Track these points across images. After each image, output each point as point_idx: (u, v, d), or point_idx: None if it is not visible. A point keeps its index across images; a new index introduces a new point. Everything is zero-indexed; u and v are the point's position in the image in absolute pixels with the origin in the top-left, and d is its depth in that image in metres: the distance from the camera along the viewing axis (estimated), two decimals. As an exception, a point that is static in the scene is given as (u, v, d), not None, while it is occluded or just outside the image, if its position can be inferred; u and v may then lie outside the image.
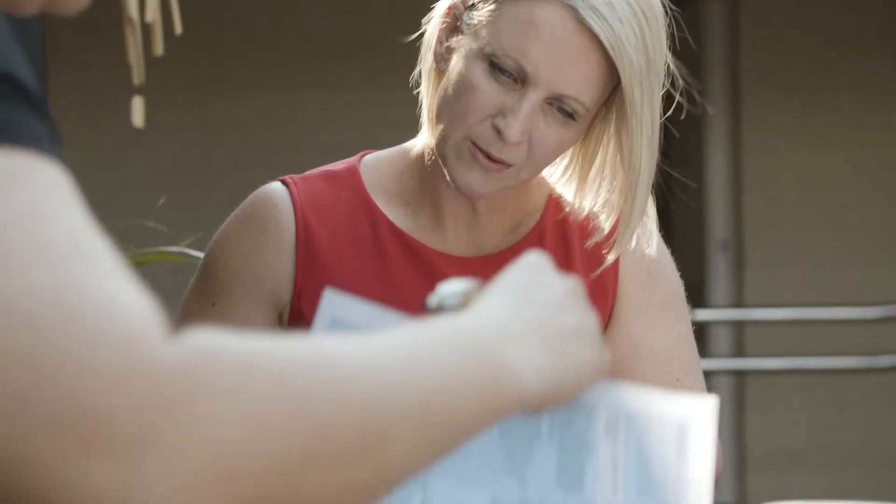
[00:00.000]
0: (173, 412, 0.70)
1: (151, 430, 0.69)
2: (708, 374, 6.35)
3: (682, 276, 7.00)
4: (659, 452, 1.08)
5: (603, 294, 1.79)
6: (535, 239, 1.78)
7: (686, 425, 1.08)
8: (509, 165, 1.65)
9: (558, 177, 1.80)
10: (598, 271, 1.76)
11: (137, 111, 3.13)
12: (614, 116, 1.71)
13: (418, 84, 1.77)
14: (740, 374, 6.43)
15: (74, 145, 6.19)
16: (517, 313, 0.96)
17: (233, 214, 1.78)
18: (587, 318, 1.02)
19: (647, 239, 1.78)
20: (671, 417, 1.09)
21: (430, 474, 1.11)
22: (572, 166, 1.78)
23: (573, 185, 1.78)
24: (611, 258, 1.75)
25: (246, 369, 0.75)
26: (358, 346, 0.83)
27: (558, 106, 1.65)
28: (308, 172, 1.79)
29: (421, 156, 1.77)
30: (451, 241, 1.77)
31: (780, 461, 6.44)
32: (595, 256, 1.77)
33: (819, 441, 6.44)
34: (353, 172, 1.79)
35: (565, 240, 1.79)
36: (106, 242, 0.74)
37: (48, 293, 0.69)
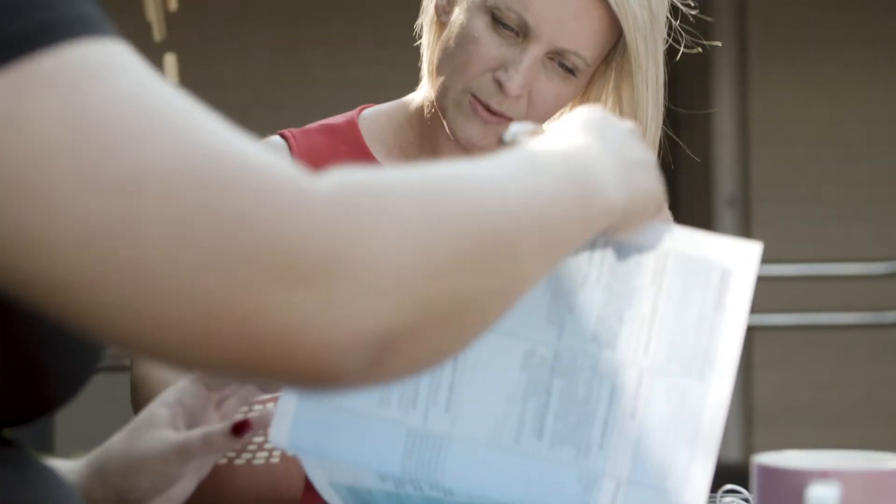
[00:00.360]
0: (343, 234, 0.77)
1: (330, 253, 0.76)
2: (715, 331, 6.38)
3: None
4: (697, 301, 1.11)
5: None
6: None
7: (730, 270, 1.11)
8: (509, 119, 1.66)
9: None
10: None
11: (170, 69, 3.11)
12: (613, 73, 1.71)
13: (420, 37, 1.78)
14: (748, 331, 6.45)
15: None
16: (593, 139, 1.03)
17: None
18: (649, 154, 1.08)
19: None
20: (717, 261, 1.11)
21: None
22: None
23: None
24: None
25: (393, 190, 0.81)
26: (480, 166, 0.90)
27: (559, 61, 1.66)
28: (307, 126, 1.80)
29: (420, 109, 1.78)
30: None
31: (788, 417, 6.46)
32: None
33: (826, 396, 6.46)
34: (351, 126, 1.80)
35: None
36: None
37: (200, 156, 0.75)
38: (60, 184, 0.73)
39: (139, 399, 1.75)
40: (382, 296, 0.77)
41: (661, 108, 1.72)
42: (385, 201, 0.80)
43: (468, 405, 1.13)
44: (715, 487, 1.38)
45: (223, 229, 0.74)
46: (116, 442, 1.24)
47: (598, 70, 1.72)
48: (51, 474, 0.92)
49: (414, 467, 1.13)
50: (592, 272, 1.12)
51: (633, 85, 1.67)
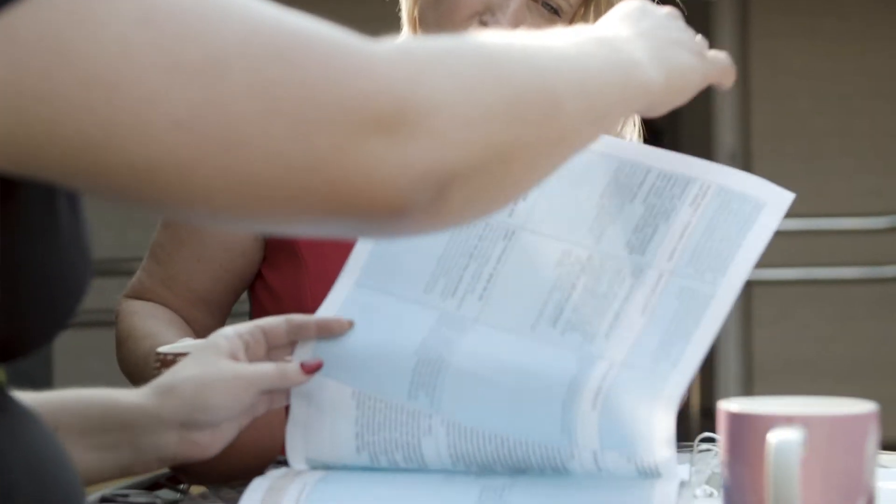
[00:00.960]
0: (405, 86, 0.85)
1: (402, 103, 0.84)
2: (715, 285, 6.38)
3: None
4: (727, 223, 1.24)
5: None
6: None
7: (762, 205, 1.25)
8: None
9: None
10: None
11: None
12: (592, 15, 1.73)
13: None
14: (747, 286, 6.44)
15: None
16: (625, 27, 1.14)
17: None
18: (688, 33, 1.20)
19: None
20: (753, 196, 1.26)
21: (526, 213, 1.29)
22: None
23: None
24: None
25: (448, 48, 0.90)
26: (526, 38, 0.98)
27: (543, 1, 1.68)
28: None
29: None
30: None
31: (787, 372, 6.46)
32: None
33: (826, 351, 6.46)
34: None
35: None
36: None
37: (272, 32, 0.82)
38: (147, 76, 0.77)
39: (125, 352, 1.75)
40: (444, 139, 0.86)
41: None
42: (440, 57, 0.88)
43: (500, 295, 1.26)
44: (695, 436, 1.39)
45: (305, 92, 0.81)
46: (186, 365, 1.26)
47: (577, 12, 1.74)
48: (35, 421, 0.92)
49: (433, 344, 1.25)
50: (641, 192, 1.27)
51: None
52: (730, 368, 6.58)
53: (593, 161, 1.30)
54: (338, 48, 0.84)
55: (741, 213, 1.24)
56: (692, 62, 1.18)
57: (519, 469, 1.23)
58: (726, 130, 6.68)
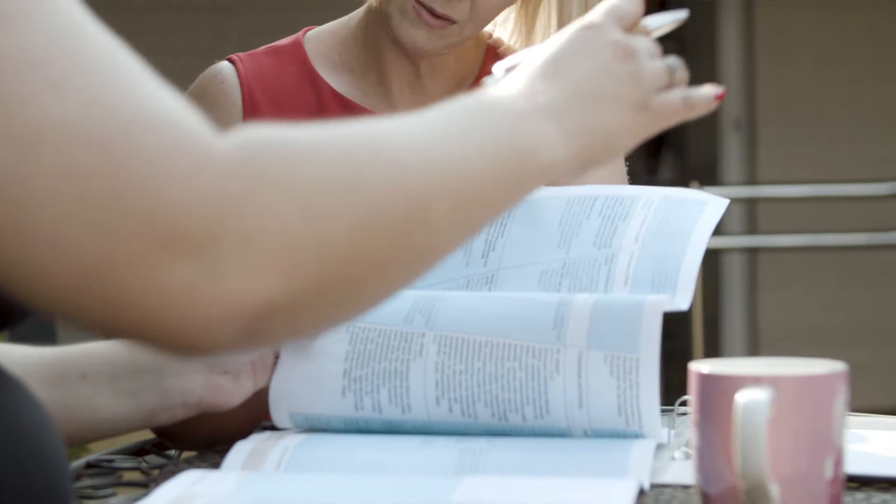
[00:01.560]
0: (239, 201, 0.76)
1: (222, 221, 0.75)
2: (721, 252, 6.37)
3: (696, 155, 7.01)
4: (677, 214, 1.38)
5: None
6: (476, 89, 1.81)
7: (705, 203, 1.40)
8: (453, 22, 1.68)
9: (503, 34, 1.84)
10: None
11: None
12: None
13: None
14: (753, 252, 6.44)
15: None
16: (550, 82, 1.02)
17: (184, 94, 1.81)
18: (633, 81, 1.06)
19: None
20: (695, 199, 1.41)
21: (498, 259, 1.42)
22: (518, 23, 1.81)
23: (518, 39, 1.82)
24: None
25: (299, 153, 0.80)
26: (397, 126, 0.89)
27: None
28: (254, 50, 1.82)
29: (364, 23, 1.81)
30: (397, 104, 1.80)
31: (792, 339, 6.47)
32: None
33: (830, 318, 6.46)
34: (297, 46, 1.83)
35: None
36: (132, 54, 0.79)
37: (104, 112, 0.74)
38: None
39: None
40: (263, 270, 0.76)
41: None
42: (290, 164, 0.79)
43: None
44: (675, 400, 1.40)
45: (116, 190, 0.73)
46: None
47: None
48: (18, 388, 0.93)
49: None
50: (594, 210, 1.41)
51: None
52: (735, 335, 6.58)
53: (542, 204, 1.43)
54: (174, 144, 0.75)
55: (687, 207, 1.39)
56: (623, 122, 1.05)
57: (500, 403, 1.28)
58: (731, 98, 6.67)
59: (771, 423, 1.02)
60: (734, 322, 6.61)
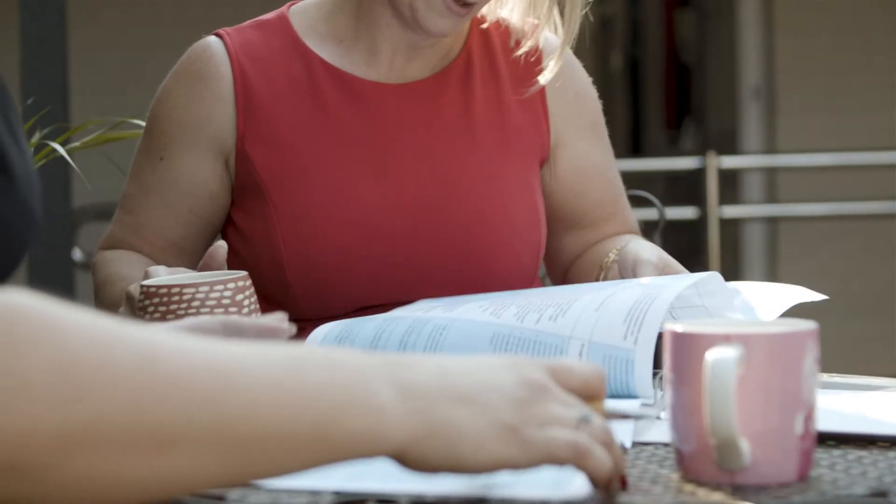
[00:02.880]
0: None
1: None
2: (740, 222, 6.37)
3: (715, 124, 7.03)
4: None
5: (535, 123, 1.88)
6: (463, 59, 1.86)
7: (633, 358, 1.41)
8: (472, 5, 1.75)
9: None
10: (534, 89, 1.87)
11: None
12: None
13: None
14: (772, 221, 6.44)
15: (101, 2, 6.20)
16: (429, 368, 0.94)
17: (172, 70, 1.84)
18: (518, 403, 0.94)
19: (568, 63, 1.90)
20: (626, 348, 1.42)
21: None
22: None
23: (519, 7, 1.88)
24: (547, 75, 1.85)
25: (39, 338, 0.78)
26: (189, 346, 0.84)
27: None
28: (239, 25, 1.84)
29: None
30: (385, 72, 1.84)
31: (813, 308, 6.46)
32: (521, 75, 1.87)
33: (852, 288, 6.46)
34: (282, 20, 1.86)
35: (490, 50, 1.88)
36: None
37: None
38: None
39: (102, 298, 1.80)
40: None
41: None
42: (21, 351, 0.77)
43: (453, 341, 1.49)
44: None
45: None
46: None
47: None
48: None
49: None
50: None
51: None
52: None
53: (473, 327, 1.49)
54: None
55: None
56: (481, 432, 0.92)
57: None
58: (750, 66, 6.66)
59: (741, 380, 1.04)
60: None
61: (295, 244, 1.75)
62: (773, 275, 6.56)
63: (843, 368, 6.17)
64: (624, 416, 1.09)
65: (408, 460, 0.91)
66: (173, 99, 1.82)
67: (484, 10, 1.87)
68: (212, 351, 0.84)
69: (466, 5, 1.74)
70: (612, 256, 1.78)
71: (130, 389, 0.79)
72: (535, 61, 1.86)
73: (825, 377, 1.58)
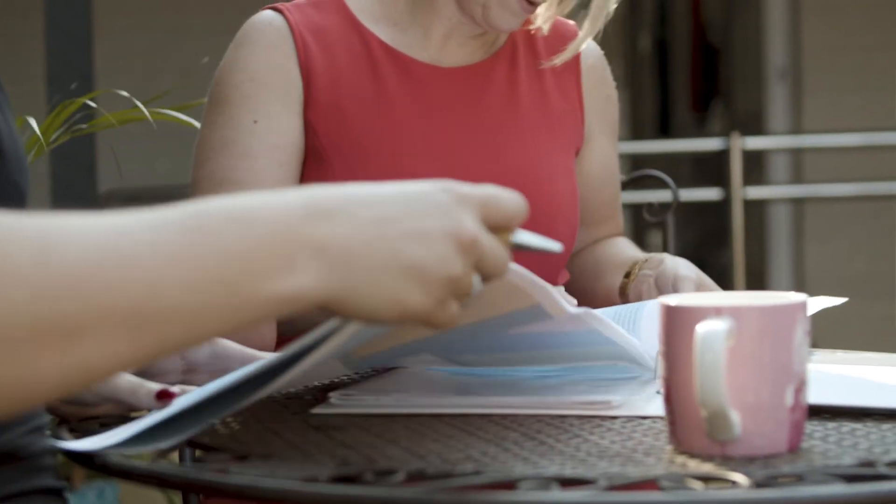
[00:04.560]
0: None
1: None
2: (767, 203, 6.36)
3: (742, 105, 7.02)
4: None
5: (573, 114, 1.96)
6: (509, 48, 1.94)
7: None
8: (538, 4, 1.86)
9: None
10: (559, 59, 1.94)
11: None
12: None
13: None
14: (799, 202, 6.42)
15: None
16: (360, 227, 0.93)
17: (236, 44, 1.86)
18: (450, 279, 0.95)
19: (603, 65, 2.00)
20: None
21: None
22: None
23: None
24: (570, 52, 1.93)
25: None
26: (84, 231, 0.84)
27: None
28: (293, 1, 1.88)
29: None
30: (436, 55, 1.90)
31: (839, 288, 6.45)
32: (560, 67, 1.96)
33: (878, 268, 6.44)
34: (337, 1, 1.88)
35: (534, 47, 1.96)
36: None
37: None
38: None
39: None
40: None
41: None
42: None
43: None
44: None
45: None
46: None
47: None
48: None
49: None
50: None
51: None
52: (781, 285, 6.58)
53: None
54: None
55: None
56: (409, 297, 0.94)
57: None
58: (777, 47, 6.64)
59: (732, 352, 1.05)
60: (781, 272, 6.60)
61: None
62: (799, 255, 6.54)
63: (870, 347, 6.14)
64: (526, 248, 1.06)
65: (327, 309, 0.93)
66: (253, 65, 1.83)
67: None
68: (107, 231, 0.84)
69: (534, 4, 1.83)
70: (643, 270, 1.86)
71: (29, 286, 0.80)
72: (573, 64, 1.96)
73: (834, 353, 1.59)
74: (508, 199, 1.00)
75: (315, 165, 1.82)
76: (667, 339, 1.09)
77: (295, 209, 0.91)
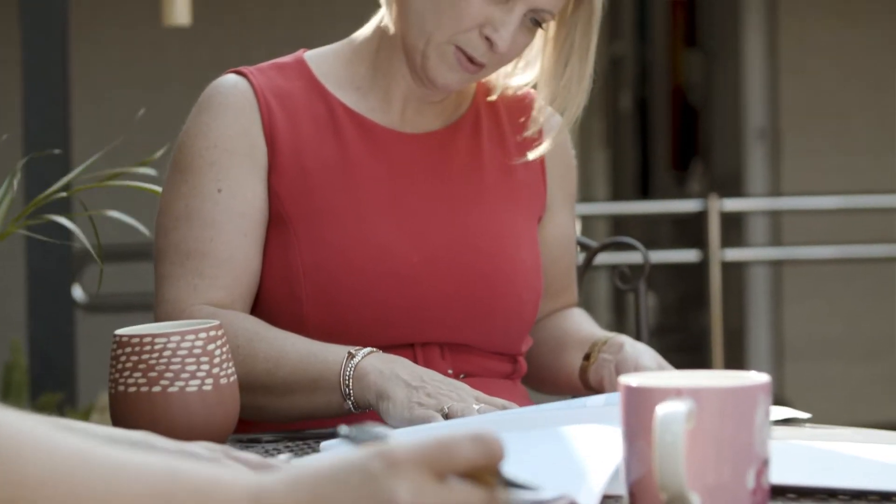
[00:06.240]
0: None
1: None
2: (746, 264, 6.37)
3: (721, 165, 7.06)
4: None
5: (536, 183, 1.95)
6: (472, 115, 1.93)
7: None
8: (483, 66, 1.81)
9: (510, 70, 1.95)
10: (538, 151, 1.92)
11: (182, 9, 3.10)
12: (580, 26, 1.85)
13: None
14: (777, 264, 6.43)
15: (107, 40, 6.22)
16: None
17: (199, 109, 1.84)
18: None
19: (564, 134, 1.94)
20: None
21: None
22: (538, 65, 1.92)
23: (527, 77, 1.94)
24: (539, 151, 1.91)
25: None
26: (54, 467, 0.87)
27: (532, 17, 1.80)
28: (257, 66, 1.87)
29: (370, 43, 1.90)
30: (398, 120, 1.89)
31: (817, 351, 6.45)
32: (522, 143, 1.93)
33: (856, 330, 6.44)
34: (300, 63, 1.91)
35: (496, 117, 1.95)
36: None
37: None
38: None
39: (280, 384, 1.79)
40: None
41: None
42: None
43: None
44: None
45: None
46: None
47: (564, 13, 1.86)
48: None
49: None
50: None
51: (589, 31, 1.85)
52: (760, 346, 6.58)
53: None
54: None
55: None
56: None
57: None
58: (756, 108, 6.67)
59: (692, 433, 1.04)
60: (759, 333, 6.59)
61: (316, 277, 1.78)
62: (777, 317, 6.54)
63: (847, 411, 6.18)
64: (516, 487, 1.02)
65: None
66: (217, 131, 1.81)
67: (492, 78, 1.93)
68: (76, 469, 0.87)
69: (476, 64, 1.79)
70: (602, 353, 1.84)
71: None
72: (535, 135, 1.93)
73: (802, 427, 1.58)
74: (467, 443, 0.93)
75: (278, 231, 1.81)
76: (627, 419, 1.08)
77: (240, 499, 0.92)
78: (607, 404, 1.50)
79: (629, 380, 1.08)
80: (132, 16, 6.22)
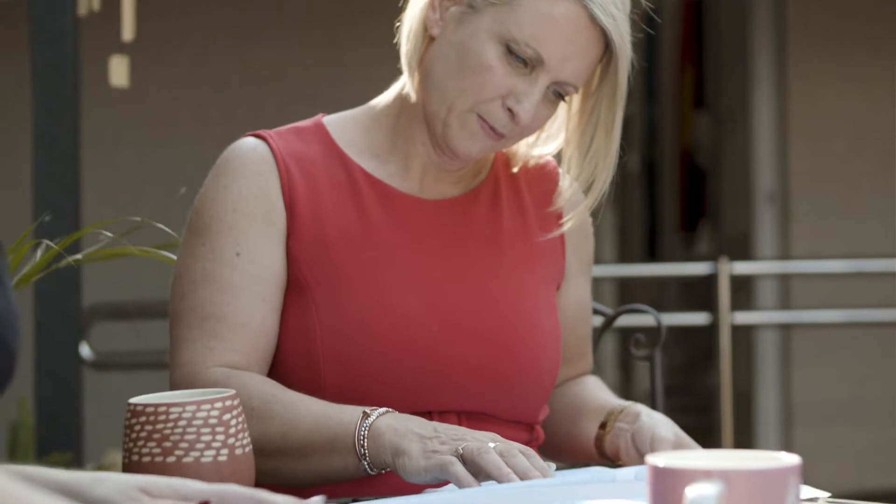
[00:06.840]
0: None
1: None
2: (754, 328, 6.34)
3: (729, 228, 7.04)
4: None
5: (554, 251, 1.95)
6: (491, 183, 1.92)
7: None
8: (504, 136, 1.80)
9: (533, 140, 1.96)
10: (561, 230, 1.93)
11: (119, 70, 3.12)
12: (605, 100, 1.84)
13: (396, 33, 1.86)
14: (786, 328, 6.41)
15: (118, 98, 6.24)
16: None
17: (217, 171, 1.83)
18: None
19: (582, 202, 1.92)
20: None
21: None
22: (560, 137, 1.92)
23: (549, 148, 1.94)
24: (565, 228, 1.92)
25: None
26: None
27: (555, 89, 1.79)
28: (276, 129, 1.87)
29: (390, 110, 1.89)
30: (417, 187, 1.88)
31: (826, 414, 6.42)
32: (543, 215, 1.93)
33: (865, 394, 6.41)
34: (319, 128, 1.90)
35: (515, 184, 1.94)
36: None
37: None
38: None
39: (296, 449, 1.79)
40: None
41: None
42: None
43: None
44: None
45: None
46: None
47: (587, 92, 1.88)
48: None
49: None
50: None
51: (615, 107, 1.85)
52: (769, 410, 6.55)
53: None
54: None
55: None
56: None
57: None
58: (765, 171, 6.66)
59: (722, 516, 1.02)
60: (768, 397, 6.57)
61: (334, 344, 1.76)
62: (786, 381, 6.51)
63: (855, 475, 6.13)
64: None
65: None
66: (235, 194, 1.80)
67: (513, 149, 1.93)
68: None
69: (498, 134, 1.78)
70: (619, 422, 1.84)
71: None
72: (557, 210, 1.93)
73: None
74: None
75: (297, 296, 1.79)
76: (654, 499, 1.06)
77: None
78: (637, 479, 1.49)
79: (657, 459, 1.07)
80: (137, 73, 6.23)
